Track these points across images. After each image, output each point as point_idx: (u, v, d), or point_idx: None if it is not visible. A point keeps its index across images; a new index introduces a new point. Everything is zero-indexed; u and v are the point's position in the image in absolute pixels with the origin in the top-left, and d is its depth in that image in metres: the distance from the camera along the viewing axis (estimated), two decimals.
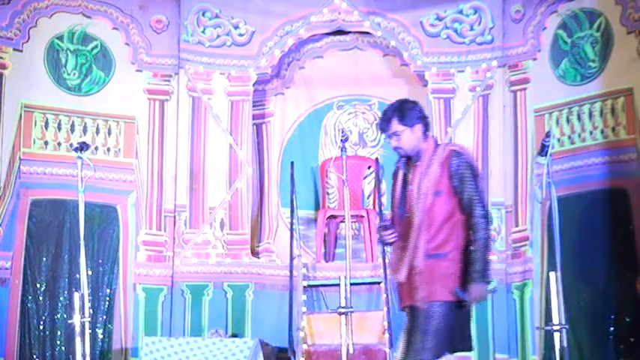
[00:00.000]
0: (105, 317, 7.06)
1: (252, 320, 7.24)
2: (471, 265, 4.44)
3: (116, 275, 7.16)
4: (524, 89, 7.30)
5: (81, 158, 5.71)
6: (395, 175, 4.72)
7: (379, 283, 7.11)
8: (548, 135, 5.42)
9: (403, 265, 4.53)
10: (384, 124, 4.64)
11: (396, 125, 4.59)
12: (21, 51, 7.06)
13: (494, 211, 7.25)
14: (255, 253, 7.57)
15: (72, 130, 7.22)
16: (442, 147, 4.60)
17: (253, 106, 7.74)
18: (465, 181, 4.51)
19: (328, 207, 7.78)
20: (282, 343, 7.00)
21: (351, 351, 5.63)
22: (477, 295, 4.43)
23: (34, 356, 6.82)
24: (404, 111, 4.61)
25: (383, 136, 7.95)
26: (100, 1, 7.37)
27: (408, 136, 4.59)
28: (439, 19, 7.52)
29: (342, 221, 7.64)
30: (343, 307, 5.59)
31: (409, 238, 4.52)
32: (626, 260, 6.51)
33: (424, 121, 4.64)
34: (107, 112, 7.33)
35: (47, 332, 6.88)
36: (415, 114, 4.61)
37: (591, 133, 6.89)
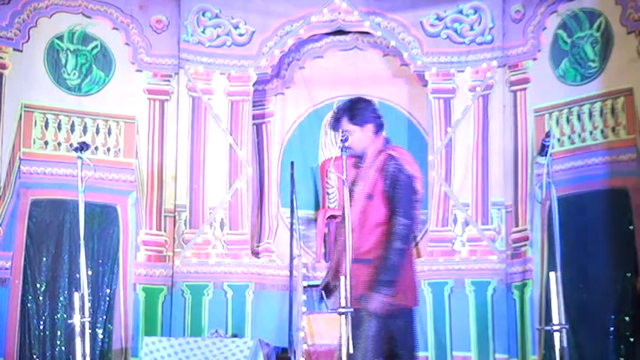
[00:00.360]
0: (105, 317, 7.06)
1: (252, 320, 7.24)
2: (379, 273, 4.37)
3: (116, 275, 7.16)
4: (524, 89, 7.30)
5: (81, 158, 5.69)
6: None
7: None
8: (548, 135, 5.41)
9: (334, 267, 4.52)
10: (334, 123, 4.61)
11: (346, 124, 4.57)
12: (21, 51, 7.06)
13: (495, 211, 7.27)
14: (255, 253, 7.57)
15: (72, 130, 7.22)
16: (384, 151, 4.54)
17: (253, 106, 7.74)
18: (394, 187, 4.45)
19: (328, 207, 7.78)
20: (282, 343, 7.01)
21: (351, 351, 5.61)
22: (371, 304, 4.37)
23: (34, 356, 6.82)
24: (354, 110, 4.58)
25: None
26: (100, 1, 7.37)
27: (359, 136, 4.56)
28: (439, 19, 7.52)
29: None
30: (343, 307, 5.58)
31: (340, 240, 4.49)
32: (626, 260, 6.51)
33: (376, 121, 4.59)
34: (107, 112, 7.34)
35: (47, 332, 6.88)
36: (366, 113, 4.57)
37: (591, 133, 6.89)
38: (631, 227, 6.53)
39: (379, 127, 4.62)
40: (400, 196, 4.43)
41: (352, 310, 4.36)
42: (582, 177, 6.82)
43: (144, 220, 7.28)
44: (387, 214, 4.45)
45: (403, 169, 4.49)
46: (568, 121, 7.02)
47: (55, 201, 7.02)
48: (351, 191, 4.55)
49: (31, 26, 7.12)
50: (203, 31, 7.60)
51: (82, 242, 5.65)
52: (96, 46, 7.37)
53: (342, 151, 5.90)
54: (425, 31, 7.53)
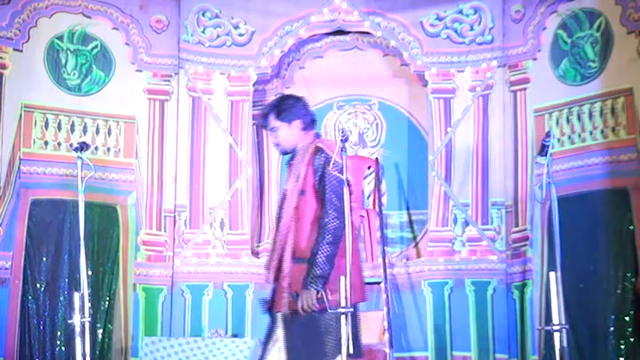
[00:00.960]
0: (105, 317, 7.06)
1: (252, 320, 7.24)
2: (310, 268, 4.31)
3: (116, 275, 7.16)
4: (524, 89, 7.30)
5: (81, 158, 5.69)
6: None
7: (379, 283, 7.11)
8: (548, 135, 5.42)
9: (272, 266, 4.45)
10: (262, 120, 4.60)
11: (273, 121, 4.55)
12: (21, 51, 7.06)
13: (494, 211, 7.26)
14: (255, 253, 7.57)
15: (72, 130, 7.22)
16: (312, 144, 4.52)
17: (253, 106, 7.74)
18: (322, 180, 4.41)
19: None
20: None
21: (351, 351, 5.61)
22: (304, 302, 4.30)
23: (34, 356, 6.82)
24: (281, 107, 4.56)
25: (383, 136, 8.02)
26: (100, 1, 7.37)
27: (286, 133, 4.54)
28: (439, 19, 7.52)
29: None
30: (343, 307, 5.58)
31: (277, 240, 4.44)
32: (626, 260, 6.52)
33: (305, 117, 4.57)
34: (107, 112, 7.34)
35: (47, 332, 6.88)
36: (294, 110, 4.55)
37: (591, 133, 6.89)
38: (631, 227, 6.53)
39: (309, 124, 4.59)
40: (326, 188, 4.40)
41: (293, 311, 4.34)
42: (582, 177, 6.82)
43: (144, 220, 7.28)
44: (319, 208, 4.41)
45: (330, 160, 4.45)
46: (568, 121, 7.02)
47: (55, 201, 7.02)
48: (284, 190, 4.53)
49: (31, 26, 7.12)
50: (203, 31, 7.60)
51: (82, 242, 5.65)
52: (96, 46, 7.37)
53: (342, 151, 5.94)
54: (425, 31, 7.53)
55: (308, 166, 4.44)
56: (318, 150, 4.48)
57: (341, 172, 4.41)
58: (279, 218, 4.49)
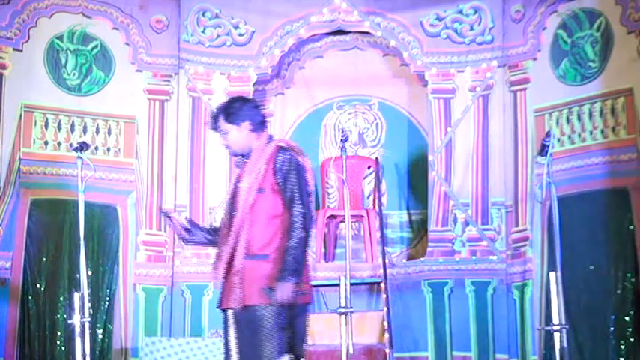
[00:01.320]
0: (105, 317, 7.06)
1: None
2: (282, 263, 4.30)
3: (116, 275, 7.16)
4: (524, 89, 7.30)
5: (81, 158, 5.70)
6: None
7: (379, 283, 7.12)
8: (548, 135, 5.43)
9: (221, 263, 4.42)
10: (211, 123, 4.59)
11: (222, 124, 4.53)
12: (21, 51, 7.06)
13: (495, 211, 7.26)
14: None
15: (72, 130, 7.22)
16: (271, 144, 4.52)
17: None
18: (287, 178, 4.40)
19: (328, 207, 7.78)
20: None
21: (351, 351, 5.62)
22: (283, 294, 4.27)
23: (34, 356, 6.82)
24: (229, 109, 4.54)
25: (383, 136, 8.03)
26: (100, 1, 7.37)
27: (235, 135, 4.51)
28: (439, 19, 7.52)
29: (342, 221, 7.63)
30: (343, 307, 5.59)
31: (230, 236, 4.42)
32: (626, 260, 6.52)
33: (254, 118, 4.54)
34: (107, 112, 7.33)
35: (47, 332, 6.87)
36: (242, 112, 4.52)
37: (591, 133, 6.89)
38: (631, 227, 6.53)
39: (258, 125, 4.55)
40: (294, 185, 4.40)
41: (243, 307, 4.32)
42: (582, 177, 6.82)
43: (144, 220, 7.28)
44: (283, 205, 4.39)
45: (295, 159, 4.47)
46: (568, 121, 7.02)
47: (55, 201, 7.02)
48: (235, 189, 4.50)
49: (31, 26, 7.12)
50: (203, 31, 7.60)
51: (82, 242, 5.66)
52: (96, 46, 7.37)
53: (342, 151, 5.95)
54: (425, 31, 7.53)
55: (268, 164, 4.43)
56: (280, 149, 4.48)
57: (304, 170, 4.48)
58: (230, 216, 4.47)
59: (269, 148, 4.48)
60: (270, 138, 4.59)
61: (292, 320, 4.38)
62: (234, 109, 4.54)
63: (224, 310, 4.45)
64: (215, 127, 4.58)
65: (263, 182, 4.42)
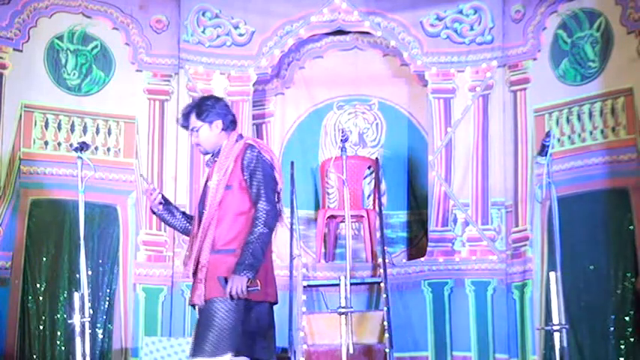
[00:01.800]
0: (105, 317, 7.06)
1: None
2: (243, 255, 4.31)
3: (116, 275, 7.16)
4: (524, 89, 7.30)
5: (81, 158, 5.69)
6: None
7: (379, 283, 7.12)
8: (548, 135, 5.42)
9: (191, 259, 4.45)
10: (182, 120, 4.59)
11: (193, 121, 4.55)
12: (21, 51, 7.06)
13: (495, 211, 7.27)
14: None
15: (72, 130, 7.22)
16: (240, 141, 4.53)
17: (253, 106, 7.74)
18: (254, 174, 4.43)
19: (328, 207, 7.78)
20: (282, 343, 7.00)
21: (351, 351, 5.63)
22: (235, 286, 4.26)
23: (34, 356, 6.82)
24: (202, 106, 4.56)
25: (383, 136, 8.03)
26: (100, 1, 7.37)
27: (207, 133, 4.54)
28: (439, 19, 7.52)
29: (342, 221, 7.64)
30: (343, 307, 5.59)
31: (198, 233, 4.44)
32: (626, 260, 6.52)
33: (226, 117, 4.57)
34: (107, 112, 7.33)
35: (47, 332, 6.87)
36: (215, 111, 4.55)
37: (591, 133, 6.89)
38: (631, 227, 6.53)
39: (230, 124, 4.59)
40: (260, 182, 4.42)
41: (204, 301, 4.34)
42: (582, 177, 6.82)
43: (144, 220, 7.28)
44: (250, 202, 4.43)
45: (262, 156, 4.49)
46: (568, 121, 7.02)
47: (55, 201, 7.02)
48: (205, 187, 4.55)
49: (31, 26, 7.12)
50: (203, 31, 7.60)
51: (82, 242, 5.65)
52: (96, 46, 7.37)
53: (342, 151, 5.95)
54: (425, 31, 7.53)
55: (236, 162, 4.46)
56: (249, 146, 4.50)
57: (272, 168, 4.51)
58: (200, 214, 4.50)
59: (238, 146, 4.51)
60: (240, 136, 4.60)
61: (252, 319, 4.36)
62: (206, 107, 4.56)
63: (194, 307, 4.48)
64: (186, 125, 4.59)
65: (231, 179, 4.45)
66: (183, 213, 4.83)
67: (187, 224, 4.75)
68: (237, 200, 4.44)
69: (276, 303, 4.57)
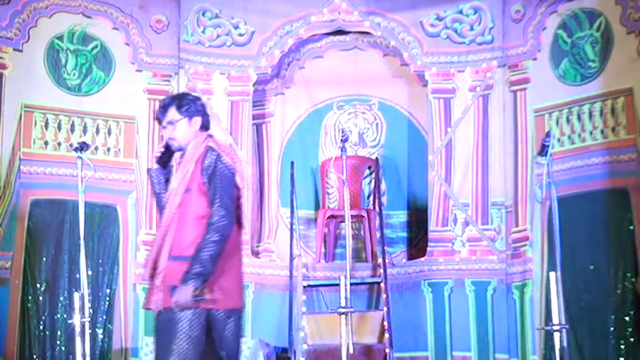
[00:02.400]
0: (105, 317, 7.06)
1: (252, 320, 7.23)
2: (191, 264, 4.15)
3: (116, 275, 7.16)
4: (524, 89, 7.30)
5: (81, 158, 5.70)
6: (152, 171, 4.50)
7: (379, 283, 7.12)
8: (548, 135, 5.43)
9: (150, 264, 4.32)
10: (160, 112, 4.42)
11: (173, 113, 4.39)
12: (21, 51, 7.06)
13: (495, 211, 7.27)
14: (255, 253, 7.57)
15: (72, 130, 7.22)
16: (203, 143, 4.38)
17: (253, 106, 7.74)
18: (213, 179, 4.28)
19: (328, 207, 7.78)
20: (282, 343, 7.01)
21: (351, 351, 5.62)
22: (182, 297, 4.12)
23: (34, 356, 6.82)
24: (183, 100, 4.42)
25: (383, 136, 8.02)
26: (100, 1, 7.37)
27: (185, 128, 4.38)
28: (439, 19, 7.52)
29: (342, 221, 7.64)
30: (343, 307, 5.59)
31: (158, 236, 4.32)
32: (626, 260, 6.52)
33: (205, 116, 4.44)
34: (107, 112, 7.33)
35: (47, 332, 6.87)
36: (195, 106, 4.42)
37: (591, 133, 6.89)
38: (631, 227, 6.53)
39: (206, 124, 4.46)
40: (217, 187, 4.27)
41: (162, 308, 4.23)
42: (582, 177, 6.82)
43: (144, 220, 7.28)
44: (208, 206, 4.27)
45: (221, 159, 4.32)
46: (568, 121, 7.02)
47: (55, 201, 7.02)
48: (171, 188, 4.39)
49: (31, 26, 7.12)
50: (203, 31, 7.60)
51: (82, 242, 5.66)
52: (96, 46, 7.37)
53: (342, 151, 5.95)
54: (425, 31, 7.53)
55: (197, 164, 4.32)
56: (209, 149, 4.35)
57: (231, 173, 4.34)
58: (162, 215, 4.36)
59: (200, 148, 4.36)
60: (207, 137, 4.44)
61: (209, 330, 4.24)
62: (188, 102, 4.43)
63: (148, 310, 4.38)
64: (163, 117, 4.40)
65: (190, 182, 4.31)
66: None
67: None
68: (196, 204, 4.28)
69: (242, 309, 4.43)
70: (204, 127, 4.46)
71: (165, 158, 4.49)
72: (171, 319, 4.19)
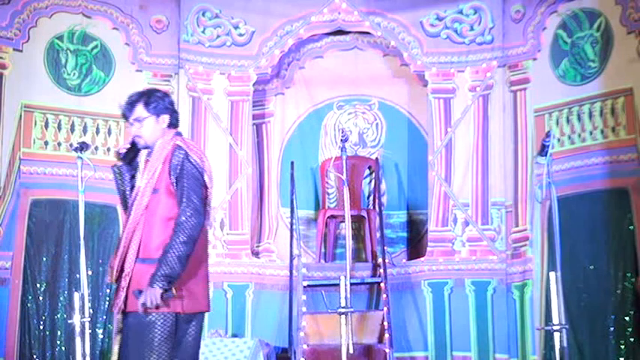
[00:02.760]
0: (105, 317, 7.06)
1: (252, 320, 7.24)
2: (159, 266, 4.02)
3: None
4: (524, 89, 7.30)
5: (81, 158, 5.70)
6: (120, 169, 4.37)
7: (379, 283, 7.12)
8: (548, 135, 5.43)
9: (116, 265, 4.18)
10: (127, 108, 4.26)
11: (140, 110, 4.24)
12: (21, 51, 7.06)
13: (495, 211, 7.27)
14: (255, 253, 7.57)
15: (72, 130, 7.21)
16: (170, 142, 4.25)
17: (253, 106, 7.74)
18: (181, 178, 4.15)
19: (328, 207, 7.78)
20: (282, 343, 7.01)
21: (351, 351, 5.63)
22: (148, 299, 3.99)
23: (34, 356, 6.82)
24: (151, 97, 4.27)
25: (383, 136, 8.02)
26: (100, 1, 7.37)
27: (152, 125, 4.24)
28: (439, 19, 7.52)
29: (342, 221, 7.64)
30: (343, 307, 5.59)
31: (124, 237, 4.18)
32: (626, 260, 6.52)
33: (173, 114, 4.30)
34: (107, 112, 7.32)
35: (47, 332, 6.87)
36: (164, 103, 4.27)
37: (591, 133, 6.89)
38: (631, 227, 6.53)
39: (174, 122, 4.32)
40: (184, 186, 4.14)
41: (129, 312, 4.11)
42: (582, 177, 6.82)
43: None
44: (173, 208, 4.14)
45: (189, 158, 4.18)
46: (568, 121, 7.02)
47: (55, 201, 7.02)
48: (133, 187, 4.29)
49: (31, 26, 7.12)
50: (203, 31, 7.60)
51: (82, 242, 5.66)
52: (96, 46, 7.37)
53: (342, 151, 5.94)
54: (425, 31, 7.53)
55: (164, 164, 4.18)
56: (177, 147, 4.22)
57: (200, 172, 4.20)
58: (129, 216, 4.22)
59: (168, 147, 4.23)
60: (176, 135, 4.32)
61: (174, 334, 4.13)
62: (156, 99, 4.28)
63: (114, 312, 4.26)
64: (129, 114, 4.26)
65: (158, 182, 4.18)
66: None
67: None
68: (164, 205, 4.16)
69: (205, 312, 4.32)
70: (172, 124, 4.31)
71: (131, 155, 4.35)
72: (142, 324, 4.07)
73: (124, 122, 7.24)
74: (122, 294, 4.13)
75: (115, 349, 4.18)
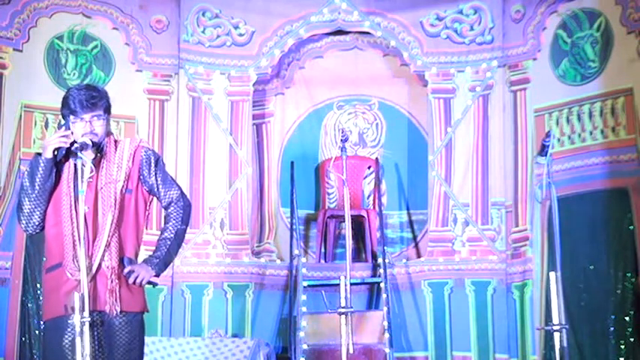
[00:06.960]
0: None
1: (252, 320, 7.24)
2: (157, 249, 4.11)
3: None
4: (524, 89, 7.30)
5: (81, 158, 5.69)
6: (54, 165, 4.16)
7: (379, 283, 7.12)
8: (548, 135, 5.44)
9: (89, 264, 4.10)
10: (90, 104, 4.11)
11: (103, 108, 4.18)
12: (21, 51, 7.06)
13: (495, 211, 7.27)
14: (255, 253, 7.57)
15: None
16: (127, 141, 4.25)
17: (253, 106, 7.74)
18: (157, 169, 4.26)
19: (328, 207, 7.78)
20: (282, 343, 7.01)
21: (351, 351, 5.63)
22: (140, 275, 4.04)
23: (34, 356, 6.81)
24: (107, 96, 4.22)
25: (383, 136, 8.02)
26: (100, 1, 7.37)
27: (105, 124, 4.19)
28: (439, 19, 7.53)
29: (342, 221, 7.64)
30: (343, 307, 5.59)
31: (96, 236, 4.11)
32: (626, 260, 6.52)
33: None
34: None
35: None
36: (110, 105, 4.23)
37: (591, 133, 6.90)
38: (631, 227, 6.53)
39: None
40: (167, 174, 4.31)
41: (116, 313, 4.12)
42: (582, 177, 6.82)
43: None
44: (147, 208, 4.22)
45: (155, 153, 4.33)
46: (568, 121, 7.02)
47: None
48: (58, 183, 4.18)
49: (31, 26, 7.12)
50: (203, 31, 7.60)
51: (82, 242, 5.64)
52: (96, 46, 7.37)
53: (342, 151, 5.94)
54: (425, 31, 7.53)
55: (134, 164, 4.20)
56: (143, 143, 4.29)
57: (163, 163, 4.37)
58: (96, 215, 4.13)
59: (130, 146, 4.23)
60: (113, 136, 4.30)
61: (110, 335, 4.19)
62: (108, 98, 4.23)
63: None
64: (92, 110, 4.13)
65: (129, 183, 4.18)
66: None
67: (45, 203, 4.24)
68: (138, 205, 4.20)
69: (146, 311, 4.28)
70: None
71: (64, 151, 4.20)
72: (137, 327, 4.12)
73: (123, 122, 7.36)
74: (115, 294, 4.10)
75: (88, 348, 4.19)
